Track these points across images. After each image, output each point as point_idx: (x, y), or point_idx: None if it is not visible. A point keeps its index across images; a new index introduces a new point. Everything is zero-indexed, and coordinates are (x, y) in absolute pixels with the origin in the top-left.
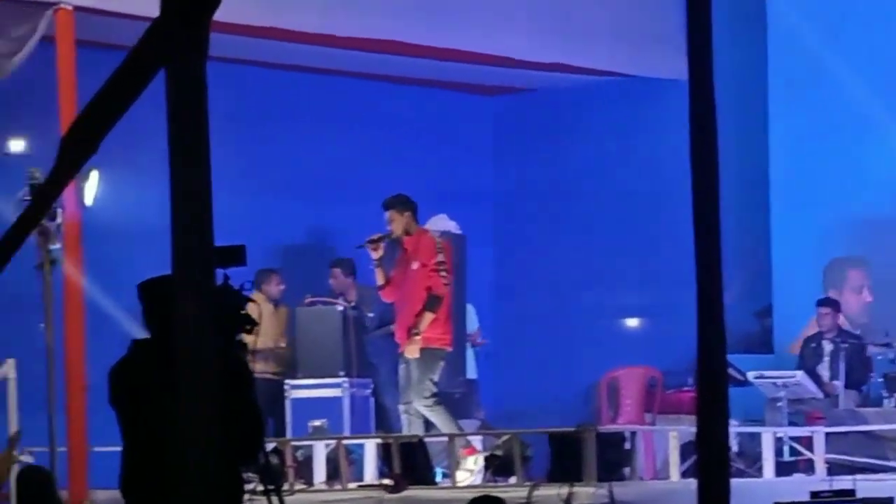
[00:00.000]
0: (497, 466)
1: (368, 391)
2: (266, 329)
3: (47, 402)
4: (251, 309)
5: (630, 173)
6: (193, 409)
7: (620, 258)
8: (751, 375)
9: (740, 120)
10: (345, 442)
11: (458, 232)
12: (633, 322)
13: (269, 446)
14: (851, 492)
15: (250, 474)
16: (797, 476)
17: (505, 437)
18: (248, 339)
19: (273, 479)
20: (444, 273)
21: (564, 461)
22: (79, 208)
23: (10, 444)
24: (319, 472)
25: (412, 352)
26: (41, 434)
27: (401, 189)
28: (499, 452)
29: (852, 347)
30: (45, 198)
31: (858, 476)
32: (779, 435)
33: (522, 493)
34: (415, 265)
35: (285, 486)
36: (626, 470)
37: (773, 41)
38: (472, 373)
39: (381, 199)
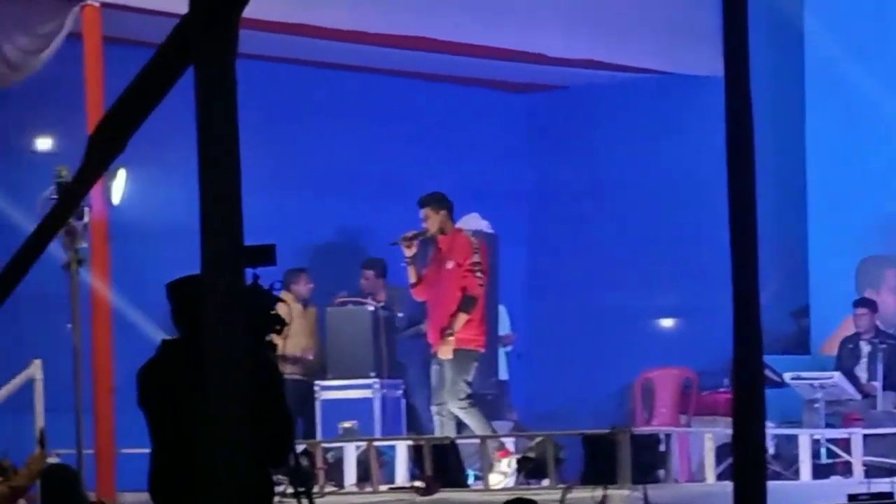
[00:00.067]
0: (530, 469)
1: (399, 392)
2: (295, 330)
3: (74, 403)
4: (281, 309)
5: (665, 171)
6: (222, 409)
7: (655, 257)
8: (787, 376)
9: (777, 118)
10: (376, 444)
11: (490, 231)
12: (667, 322)
13: (299, 448)
14: (889, 494)
15: (280, 476)
16: (834, 479)
17: (538, 439)
18: (277, 339)
19: (303, 481)
20: (479, 274)
21: (598, 463)
22: (106, 207)
23: (41, 444)
24: (350, 474)
25: (446, 353)
26: (68, 435)
27: (432, 187)
28: (532, 454)
29: (890, 348)
30: (72, 196)
31: None
32: (816, 437)
33: (556, 495)
34: (449, 265)
35: (315, 489)
36: (661, 472)
37: (809, 38)
38: (503, 374)
39: (412, 198)
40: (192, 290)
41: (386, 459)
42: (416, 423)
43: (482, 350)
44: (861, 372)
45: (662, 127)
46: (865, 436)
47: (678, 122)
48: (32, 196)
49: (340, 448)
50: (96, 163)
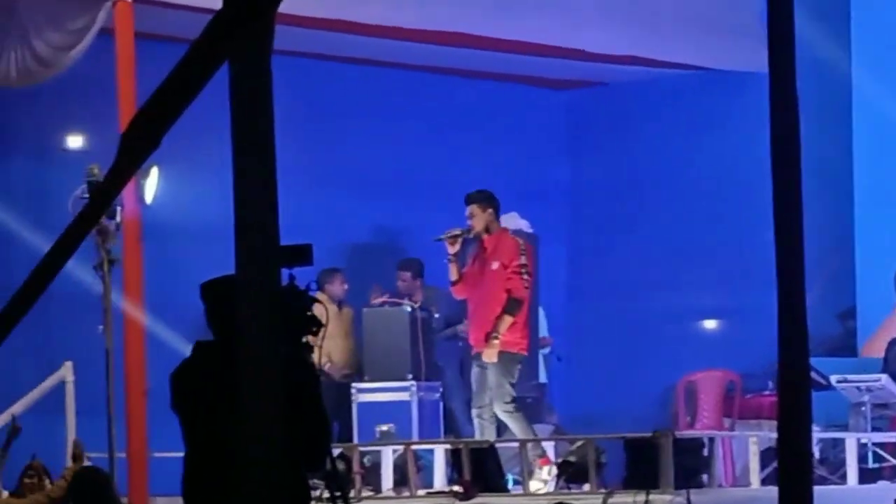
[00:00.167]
0: (571, 473)
1: (437, 394)
2: (330, 331)
3: (106, 405)
4: (317, 310)
5: (707, 169)
6: (257, 412)
7: (698, 257)
8: (833, 379)
9: (823, 115)
10: (413, 447)
11: (530, 231)
12: (711, 324)
13: (336, 452)
14: None
15: (316, 480)
16: (881, 483)
17: (579, 443)
18: (313, 341)
19: (339, 485)
20: (526, 276)
21: (640, 468)
22: (138, 206)
23: (74, 458)
24: (387, 478)
25: (490, 356)
26: (100, 439)
27: (469, 186)
28: (572, 459)
29: None
30: (104, 195)
31: None
32: (863, 441)
33: (597, 500)
34: (494, 265)
35: (352, 493)
36: (704, 477)
37: (857, 30)
38: (542, 377)
39: (449, 197)
40: (226, 291)
41: (424, 463)
42: (453, 426)
43: (525, 353)
44: None
45: (705, 124)
46: None
47: (721, 119)
48: (63, 195)
49: (377, 452)
50: (129, 161)
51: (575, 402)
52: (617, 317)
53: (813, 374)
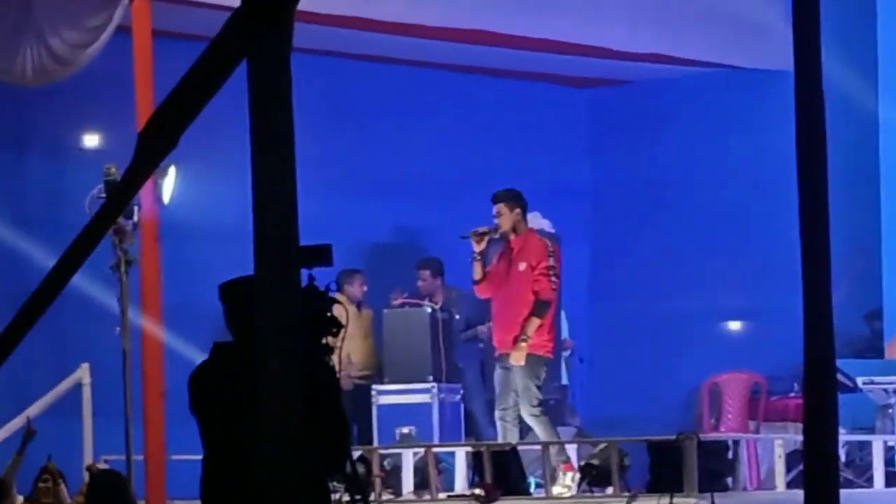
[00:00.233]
0: (593, 476)
1: (458, 396)
2: (349, 333)
3: (123, 408)
4: (337, 311)
5: (732, 169)
6: (276, 414)
7: (723, 257)
8: (860, 381)
9: (849, 112)
10: (434, 450)
11: (552, 230)
12: (735, 325)
13: (356, 454)
14: None
15: (336, 484)
16: None
17: (602, 446)
18: (333, 342)
19: (360, 488)
20: (554, 278)
21: (664, 471)
22: (156, 206)
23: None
24: (407, 481)
25: (518, 359)
26: (117, 442)
27: (491, 185)
28: (595, 461)
29: None
30: (121, 195)
31: None
32: (890, 443)
33: None
34: (521, 266)
35: (372, 497)
36: (729, 480)
37: (883, 26)
38: (563, 379)
39: (470, 197)
40: (245, 292)
41: (444, 466)
42: (474, 429)
43: (551, 356)
44: None
45: (729, 122)
46: None
47: (746, 117)
48: (80, 195)
49: (398, 454)
50: (146, 160)
51: (598, 405)
52: (640, 318)
53: (839, 376)
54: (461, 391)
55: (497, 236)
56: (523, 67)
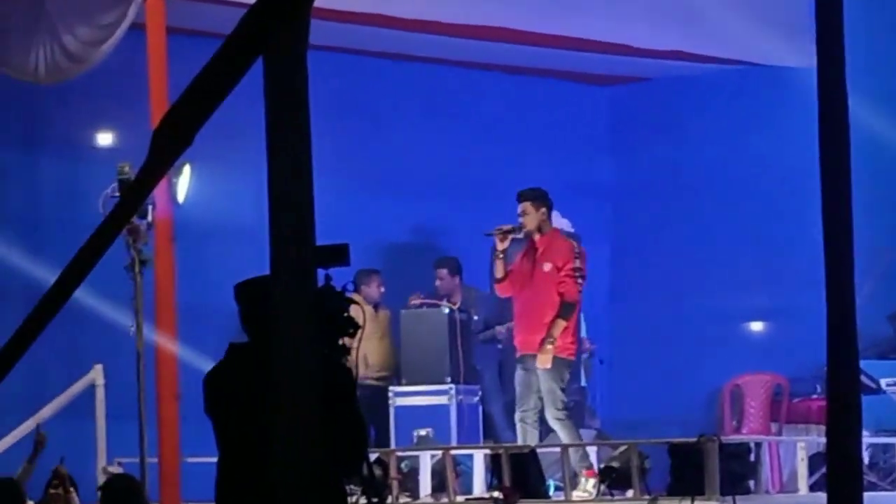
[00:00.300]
0: (613, 479)
1: (476, 398)
2: (367, 334)
3: (137, 409)
4: (354, 312)
5: (754, 167)
6: (293, 416)
7: (744, 257)
8: (884, 383)
9: (872, 108)
10: (452, 452)
11: (571, 230)
12: (757, 326)
13: (373, 457)
14: None
15: (352, 486)
16: None
17: (622, 448)
18: (350, 343)
19: (377, 491)
20: (580, 280)
21: (685, 473)
22: (171, 205)
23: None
24: (425, 484)
25: (545, 361)
26: (131, 444)
27: (509, 184)
28: (615, 464)
29: None
30: (135, 194)
31: None
32: None
33: None
34: (546, 267)
35: (389, 499)
36: (751, 483)
37: None
38: (582, 380)
39: (490, 196)
40: (261, 292)
41: (463, 469)
42: (492, 431)
43: (573, 358)
44: None
45: (751, 120)
46: None
47: (768, 115)
48: (94, 194)
49: (415, 457)
50: (161, 159)
51: (618, 406)
52: (661, 318)
53: (862, 378)
54: (479, 393)
55: (521, 235)
56: (543, 65)
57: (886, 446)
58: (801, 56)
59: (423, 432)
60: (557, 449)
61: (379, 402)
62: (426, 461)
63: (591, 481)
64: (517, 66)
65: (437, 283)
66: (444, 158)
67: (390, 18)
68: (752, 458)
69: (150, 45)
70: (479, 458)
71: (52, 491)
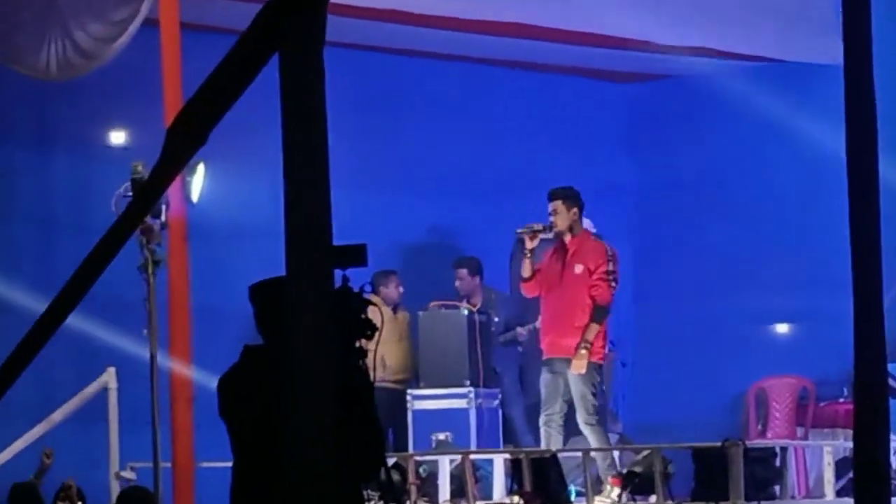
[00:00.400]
0: (636, 484)
1: (496, 402)
2: (385, 336)
3: (151, 413)
4: (372, 313)
5: (779, 165)
6: (309, 420)
7: (769, 258)
8: None
9: None
10: (471, 457)
11: (593, 230)
12: (782, 328)
13: (390, 461)
14: None
15: (370, 491)
16: None
17: (644, 453)
18: (367, 345)
19: (395, 496)
20: (614, 283)
21: (709, 478)
22: (185, 204)
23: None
24: (444, 489)
25: (580, 367)
26: (144, 449)
27: (529, 183)
28: (638, 469)
29: None
30: (148, 194)
31: None
32: None
33: None
34: (578, 269)
35: None
36: (777, 488)
37: None
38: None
39: (508, 195)
40: (276, 294)
41: (482, 474)
42: (512, 435)
43: (604, 362)
44: None
45: (776, 118)
46: None
47: (793, 113)
48: (106, 193)
49: (434, 461)
50: (175, 158)
51: (640, 410)
52: (684, 320)
53: (890, 381)
54: (499, 396)
55: (550, 235)
56: (561, 62)
57: None
58: (827, 52)
59: (441, 436)
60: (579, 454)
61: (397, 405)
62: (445, 466)
63: (616, 490)
64: (536, 63)
65: (457, 283)
66: (462, 157)
67: (409, 15)
68: (778, 463)
69: (163, 41)
70: (498, 462)
71: None
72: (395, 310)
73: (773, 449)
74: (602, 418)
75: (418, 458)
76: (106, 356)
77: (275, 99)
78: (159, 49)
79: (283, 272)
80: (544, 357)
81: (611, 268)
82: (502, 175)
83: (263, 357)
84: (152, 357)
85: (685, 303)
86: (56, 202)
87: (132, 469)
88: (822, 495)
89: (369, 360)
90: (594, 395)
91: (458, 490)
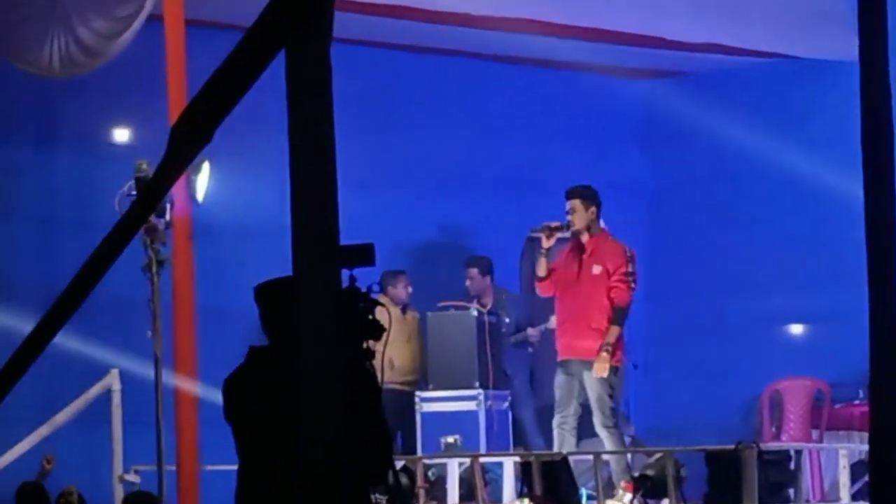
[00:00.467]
0: (648, 488)
1: (506, 404)
2: (393, 336)
3: (155, 416)
4: (380, 314)
5: (794, 163)
6: (316, 422)
7: (783, 257)
8: None
9: None
10: (481, 460)
11: (605, 229)
12: (797, 329)
13: (399, 464)
14: None
15: (378, 495)
16: None
17: (657, 456)
18: (375, 346)
19: (403, 500)
20: (633, 285)
21: (723, 482)
22: (189, 203)
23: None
24: (453, 492)
25: (602, 370)
26: (148, 451)
27: (539, 181)
28: (650, 472)
29: None
30: (152, 193)
31: None
32: None
33: None
34: (596, 269)
35: None
36: (791, 491)
37: None
38: None
39: (518, 193)
40: (282, 294)
41: (492, 477)
42: (522, 438)
43: (619, 364)
44: None
45: (791, 116)
46: None
47: (809, 110)
48: (110, 192)
49: (443, 464)
50: (179, 156)
51: (653, 413)
52: (697, 321)
53: None
54: (509, 398)
55: (567, 234)
56: (575, 58)
57: None
58: (842, 48)
59: (450, 439)
60: (590, 457)
61: (405, 407)
62: (454, 469)
63: (629, 495)
64: (548, 60)
65: (467, 283)
66: (473, 155)
67: (419, 11)
68: (792, 466)
69: (168, 37)
70: (508, 465)
71: None
72: (403, 310)
73: (787, 452)
74: (618, 422)
75: (427, 461)
76: (109, 357)
77: (281, 96)
78: (164, 45)
79: (289, 272)
80: (559, 358)
81: (630, 269)
82: (514, 173)
83: (269, 358)
84: (156, 358)
85: (698, 303)
86: (59, 200)
87: (136, 472)
88: (837, 499)
89: (377, 362)
90: (611, 397)
91: (468, 494)
